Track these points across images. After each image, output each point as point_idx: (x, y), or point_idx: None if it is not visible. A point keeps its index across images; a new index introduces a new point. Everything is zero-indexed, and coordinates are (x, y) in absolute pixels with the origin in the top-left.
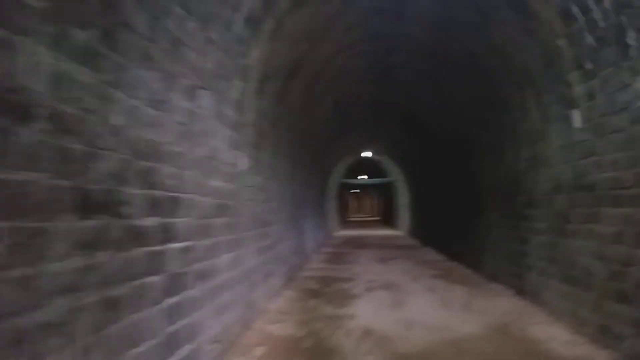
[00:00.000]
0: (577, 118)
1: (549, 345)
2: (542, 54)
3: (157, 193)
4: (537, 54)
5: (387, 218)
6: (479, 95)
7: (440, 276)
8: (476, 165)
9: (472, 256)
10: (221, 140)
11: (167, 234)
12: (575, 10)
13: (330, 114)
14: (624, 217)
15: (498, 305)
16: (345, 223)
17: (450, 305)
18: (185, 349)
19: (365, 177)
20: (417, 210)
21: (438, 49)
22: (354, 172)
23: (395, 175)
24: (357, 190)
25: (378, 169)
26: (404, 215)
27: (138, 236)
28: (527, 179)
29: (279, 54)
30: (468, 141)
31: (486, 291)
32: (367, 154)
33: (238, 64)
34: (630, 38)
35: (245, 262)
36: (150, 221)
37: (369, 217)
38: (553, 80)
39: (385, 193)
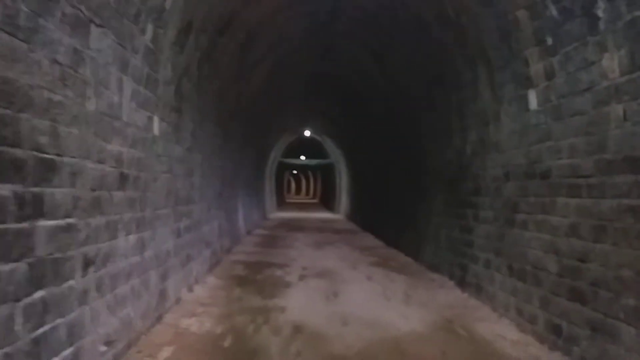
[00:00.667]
0: (532, 99)
1: (497, 346)
2: (499, 27)
3: (18, 152)
4: (494, 26)
5: (327, 200)
6: (428, 71)
7: (379, 264)
8: (421, 147)
9: (413, 243)
10: (126, 96)
11: (36, 208)
12: None
13: (268, 83)
14: (582, 208)
15: (440, 298)
16: (283, 204)
17: (390, 297)
18: (61, 357)
19: (304, 158)
20: (356, 193)
21: (385, 16)
22: (294, 151)
23: (336, 156)
24: (296, 172)
25: (318, 149)
26: (344, 198)
27: None
28: (475, 164)
29: (206, 0)
30: (414, 121)
31: (427, 282)
32: (307, 132)
33: (149, 4)
34: (600, 9)
35: (156, 244)
36: (3, 189)
37: (307, 199)
38: (508, 57)
39: (325, 175)
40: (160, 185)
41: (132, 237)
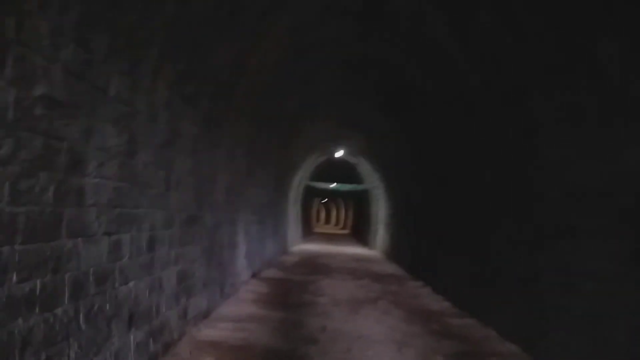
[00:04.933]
0: None
1: None
2: None
3: None
4: None
5: (359, 233)
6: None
7: None
8: (537, 155)
9: (521, 319)
10: None
11: None
12: None
13: (285, 68)
14: None
15: None
16: (310, 234)
17: None
18: None
19: (335, 183)
20: (400, 226)
21: None
22: (323, 175)
23: (373, 181)
24: (326, 199)
25: (351, 172)
26: (381, 231)
27: None
28: None
29: None
30: (521, 116)
31: None
32: (339, 153)
33: None
34: None
35: None
36: None
37: (337, 229)
38: None
39: (358, 202)
40: None
41: None
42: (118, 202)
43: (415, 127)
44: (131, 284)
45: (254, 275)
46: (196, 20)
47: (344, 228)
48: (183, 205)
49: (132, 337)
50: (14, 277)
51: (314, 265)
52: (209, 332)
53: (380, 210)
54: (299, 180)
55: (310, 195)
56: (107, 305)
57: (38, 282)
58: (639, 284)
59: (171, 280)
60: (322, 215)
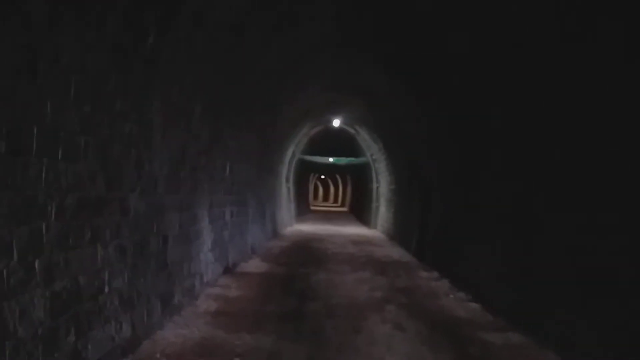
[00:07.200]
0: None
1: None
2: None
3: None
4: None
5: (358, 210)
6: None
7: None
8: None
9: (618, 352)
10: None
11: None
12: None
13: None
14: None
15: None
16: (307, 212)
17: None
18: None
19: (332, 158)
20: (406, 202)
21: None
22: (319, 148)
23: (374, 153)
24: (323, 175)
25: (350, 145)
26: (383, 209)
27: None
28: None
29: None
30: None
31: None
32: (337, 122)
33: None
34: None
35: None
36: None
37: (335, 206)
38: None
39: (358, 178)
40: None
41: None
42: None
43: (431, 79)
44: None
45: (227, 271)
46: None
47: (342, 205)
48: (70, 181)
49: None
50: None
51: (306, 252)
52: None
53: (382, 185)
54: (292, 153)
55: (305, 170)
56: None
57: None
58: None
59: (33, 312)
60: (320, 192)
